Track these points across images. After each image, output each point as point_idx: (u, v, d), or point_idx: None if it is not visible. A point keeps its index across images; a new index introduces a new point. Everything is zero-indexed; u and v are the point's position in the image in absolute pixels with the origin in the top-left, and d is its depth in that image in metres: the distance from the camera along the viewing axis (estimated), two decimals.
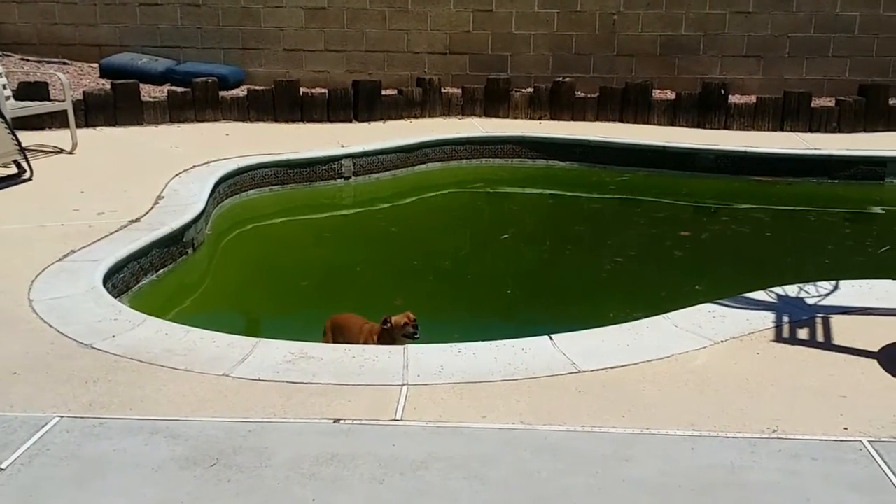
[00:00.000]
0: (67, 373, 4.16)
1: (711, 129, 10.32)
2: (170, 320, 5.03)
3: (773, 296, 5.15)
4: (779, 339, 4.62)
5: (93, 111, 9.59)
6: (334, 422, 3.74)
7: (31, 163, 7.72)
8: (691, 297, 5.50)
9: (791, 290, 5.23)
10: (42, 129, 9.26)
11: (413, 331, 4.80)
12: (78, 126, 8.93)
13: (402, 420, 3.76)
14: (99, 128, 9.60)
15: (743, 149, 9.30)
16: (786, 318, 4.83)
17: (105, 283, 5.43)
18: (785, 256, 7.22)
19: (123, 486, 3.27)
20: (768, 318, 4.85)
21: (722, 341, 4.57)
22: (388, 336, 4.82)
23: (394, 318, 4.85)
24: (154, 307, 5.52)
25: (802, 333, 4.67)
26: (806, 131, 10.19)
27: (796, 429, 3.71)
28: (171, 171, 7.86)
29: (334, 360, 4.32)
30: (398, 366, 4.26)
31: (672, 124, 10.43)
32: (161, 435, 3.62)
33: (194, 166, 8.04)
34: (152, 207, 6.86)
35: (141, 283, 5.98)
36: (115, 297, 5.47)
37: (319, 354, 4.37)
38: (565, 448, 3.56)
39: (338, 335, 4.95)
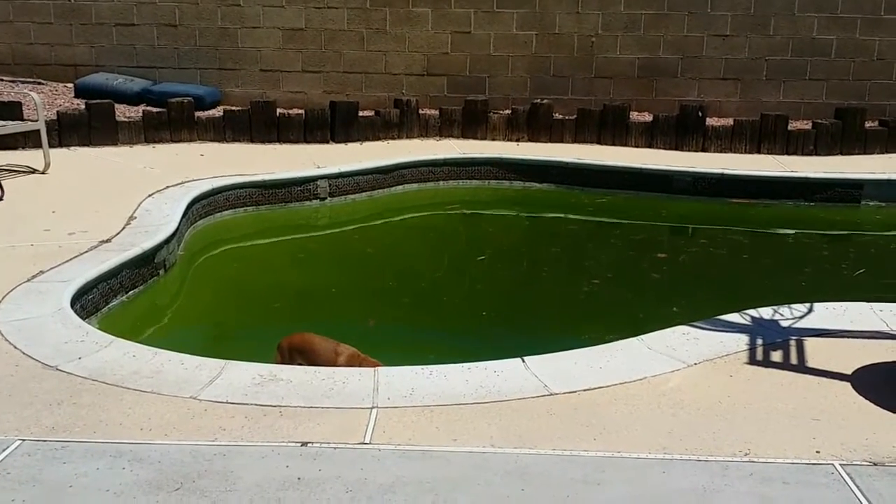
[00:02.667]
0: (31, 395, 4.08)
1: (689, 151, 10.35)
2: (138, 342, 4.95)
3: (748, 318, 5.13)
4: (752, 361, 4.60)
5: (67, 131, 9.51)
6: (302, 445, 3.68)
7: (2, 182, 7.64)
8: (668, 319, 5.46)
9: (765, 312, 5.21)
10: (15, 148, 9.18)
11: None
12: (52, 146, 8.85)
13: (371, 443, 3.71)
14: (73, 148, 9.52)
15: (720, 171, 9.32)
16: (760, 341, 4.82)
17: (73, 304, 5.35)
18: (761, 278, 7.22)
19: None
20: (742, 340, 4.84)
21: (695, 363, 4.55)
22: None
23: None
24: (123, 329, 5.45)
25: (776, 356, 4.65)
26: (783, 154, 10.25)
27: (768, 452, 3.68)
28: (144, 191, 7.79)
29: (304, 382, 4.26)
30: (368, 388, 4.21)
31: (650, 146, 10.46)
32: (125, 458, 3.55)
33: (168, 187, 7.97)
34: (124, 228, 6.79)
35: (111, 305, 5.90)
36: (84, 319, 5.40)
37: (288, 377, 4.32)
38: (535, 472, 3.51)
39: (298, 359, 4.86)
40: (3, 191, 7.51)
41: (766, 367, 4.54)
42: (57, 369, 4.36)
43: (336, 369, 4.44)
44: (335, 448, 3.66)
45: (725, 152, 10.31)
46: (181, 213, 7.27)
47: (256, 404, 4.04)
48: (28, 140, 9.16)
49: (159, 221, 6.97)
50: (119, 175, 8.54)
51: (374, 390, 4.18)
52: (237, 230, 8.06)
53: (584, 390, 4.24)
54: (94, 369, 4.37)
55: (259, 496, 3.30)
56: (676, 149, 10.39)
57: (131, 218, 7.06)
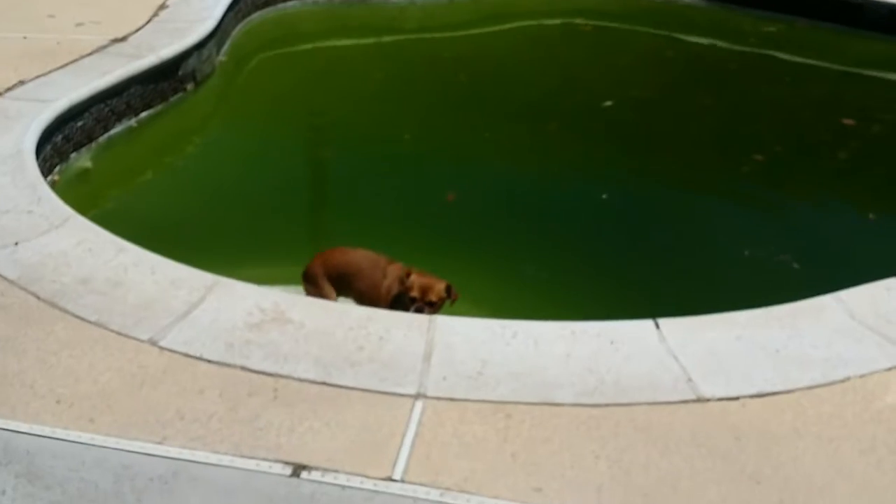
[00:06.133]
0: None
1: None
2: (131, 197, 3.63)
3: None
4: None
5: None
6: (293, 472, 2.32)
7: None
8: (864, 234, 3.79)
9: None
10: None
11: (417, 312, 3.14)
12: None
13: (402, 482, 2.32)
14: None
15: None
16: None
17: (52, 135, 4.08)
18: None
19: None
20: None
21: None
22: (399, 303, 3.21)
23: (415, 280, 3.18)
24: (116, 171, 4.26)
25: None
26: None
27: None
28: None
29: (322, 330, 2.85)
30: (416, 353, 2.78)
31: None
32: (13, 469, 2.33)
33: None
34: (148, 21, 5.37)
35: (111, 133, 4.57)
36: (70, 154, 4.23)
37: (301, 317, 2.91)
38: None
39: (338, 286, 3.37)
40: None
41: None
42: None
43: (372, 315, 2.94)
44: (343, 488, 2.27)
45: None
46: (228, 3, 5.75)
47: (244, 368, 2.69)
48: None
49: (196, 15, 5.50)
50: None
51: (425, 359, 2.76)
52: (300, 28, 6.50)
53: (752, 396, 2.72)
54: (30, 266, 3.08)
55: None
56: None
57: (161, 6, 5.61)
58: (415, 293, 3.14)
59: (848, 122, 5.62)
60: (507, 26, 7.14)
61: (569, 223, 4.40)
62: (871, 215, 4.48)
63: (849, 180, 5.05)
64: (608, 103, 5.70)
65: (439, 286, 3.17)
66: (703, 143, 5.41)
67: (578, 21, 7.25)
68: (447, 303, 3.20)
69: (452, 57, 6.46)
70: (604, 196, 4.60)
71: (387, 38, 6.74)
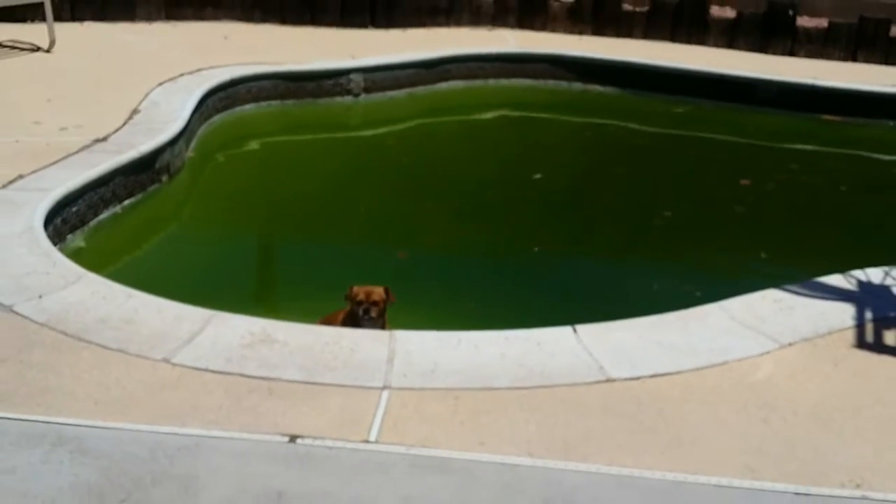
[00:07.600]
0: None
1: (774, 54, 9.12)
2: (124, 268, 4.21)
3: (854, 282, 4.19)
4: (861, 343, 3.70)
5: (80, 3, 8.61)
6: (290, 441, 2.92)
7: None
8: (754, 267, 4.58)
9: (875, 276, 4.26)
10: (23, 21, 8.31)
11: (366, 315, 3.85)
12: (62, 20, 8.04)
13: (376, 442, 2.93)
14: (86, 22, 8.63)
15: (811, 82, 8.09)
16: (870, 315, 3.89)
17: (53, 218, 4.66)
18: (866, 219, 6.07)
19: None
20: (848, 312, 3.92)
21: (790, 344, 3.67)
22: (353, 318, 3.90)
23: (357, 289, 3.90)
24: (109, 248, 4.81)
25: (891, 337, 3.74)
26: (882, 64, 8.90)
27: (888, 484, 2.85)
28: (154, 78, 6.90)
29: (303, 346, 3.47)
30: (381, 359, 3.41)
31: (730, 47, 9.24)
32: (67, 448, 2.83)
33: (182, 74, 7.07)
34: (125, 123, 5.98)
35: (100, 217, 5.17)
36: (67, 235, 4.81)
37: (285, 337, 3.53)
38: (586, 498, 2.71)
39: None
40: None
41: (880, 353, 3.65)
42: (11, 310, 3.65)
43: (343, 332, 3.62)
44: (330, 448, 2.89)
45: (816, 58, 9.06)
46: (192, 108, 6.42)
47: (242, 375, 3.28)
48: (38, 12, 8.23)
49: (166, 117, 6.13)
50: (130, 57, 7.67)
51: (388, 362, 3.38)
52: (257, 128, 7.17)
53: (650, 377, 3.40)
54: (55, 313, 3.63)
55: None
56: (760, 51, 9.16)
57: (135, 111, 6.23)
58: (361, 297, 3.82)
59: (745, 182, 6.51)
60: (443, 119, 7.98)
61: (504, 267, 5.15)
62: (762, 254, 5.31)
63: (745, 228, 5.90)
64: (538, 175, 6.54)
65: (378, 289, 3.86)
66: (620, 203, 6.21)
67: (506, 111, 8.19)
68: (388, 305, 3.88)
69: (396, 145, 7.23)
70: (535, 249, 5.34)
71: (337, 133, 7.54)
